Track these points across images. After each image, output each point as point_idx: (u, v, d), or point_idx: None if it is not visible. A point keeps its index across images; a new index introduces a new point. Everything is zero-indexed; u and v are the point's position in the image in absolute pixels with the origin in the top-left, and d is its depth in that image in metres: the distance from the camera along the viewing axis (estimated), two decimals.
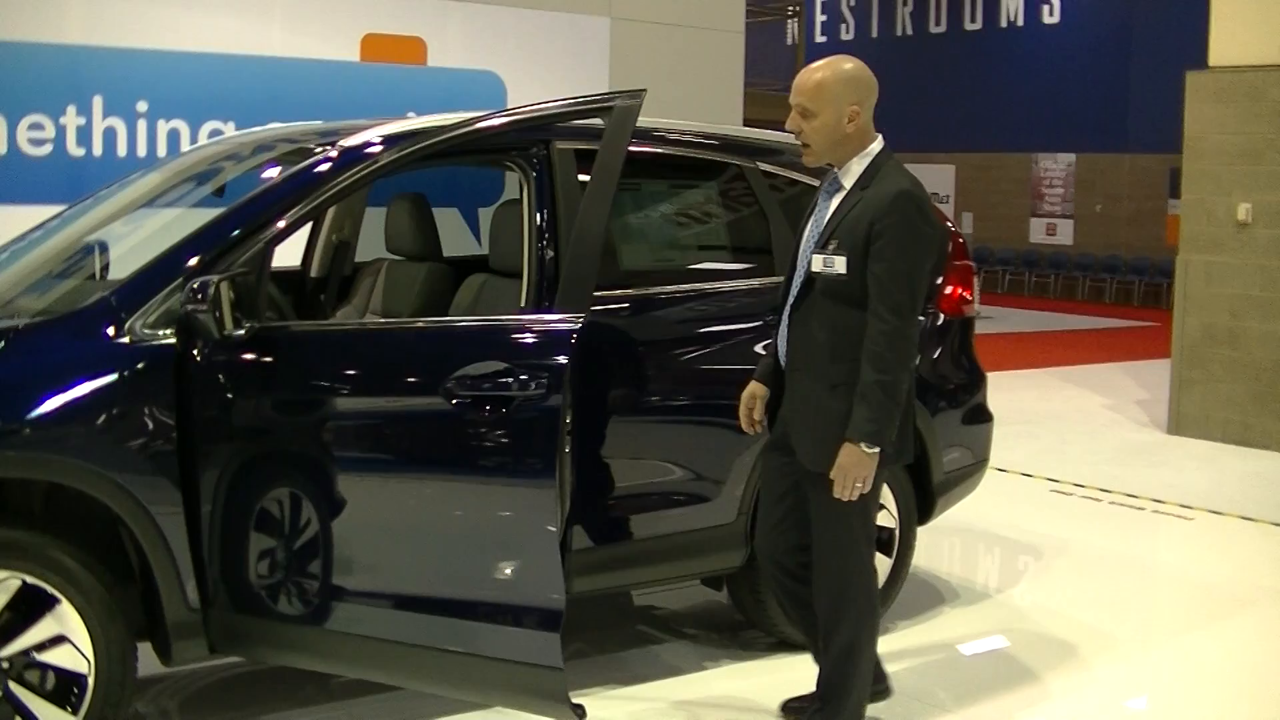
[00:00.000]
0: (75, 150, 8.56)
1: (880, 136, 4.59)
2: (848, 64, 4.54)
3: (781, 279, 5.46)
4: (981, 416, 6.35)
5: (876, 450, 4.34)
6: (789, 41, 26.01)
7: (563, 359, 4.30)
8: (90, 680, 4.16)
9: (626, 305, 5.33)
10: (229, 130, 8.56)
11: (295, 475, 4.41)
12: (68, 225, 5.33)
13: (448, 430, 4.34)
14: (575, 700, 4.31)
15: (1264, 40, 10.86)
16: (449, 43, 10.04)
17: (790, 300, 4.60)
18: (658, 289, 5.45)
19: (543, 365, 4.28)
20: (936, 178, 27.67)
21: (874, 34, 29.93)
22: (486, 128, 4.70)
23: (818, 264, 4.48)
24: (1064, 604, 6.67)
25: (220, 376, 4.28)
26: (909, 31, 29.33)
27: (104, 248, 5.08)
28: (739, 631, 5.95)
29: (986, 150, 27.18)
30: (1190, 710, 5.42)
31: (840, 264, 4.42)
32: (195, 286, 4.08)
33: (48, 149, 8.48)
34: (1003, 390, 12.88)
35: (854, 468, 4.33)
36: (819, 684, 4.76)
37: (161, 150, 8.73)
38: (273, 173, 4.80)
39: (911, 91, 28.08)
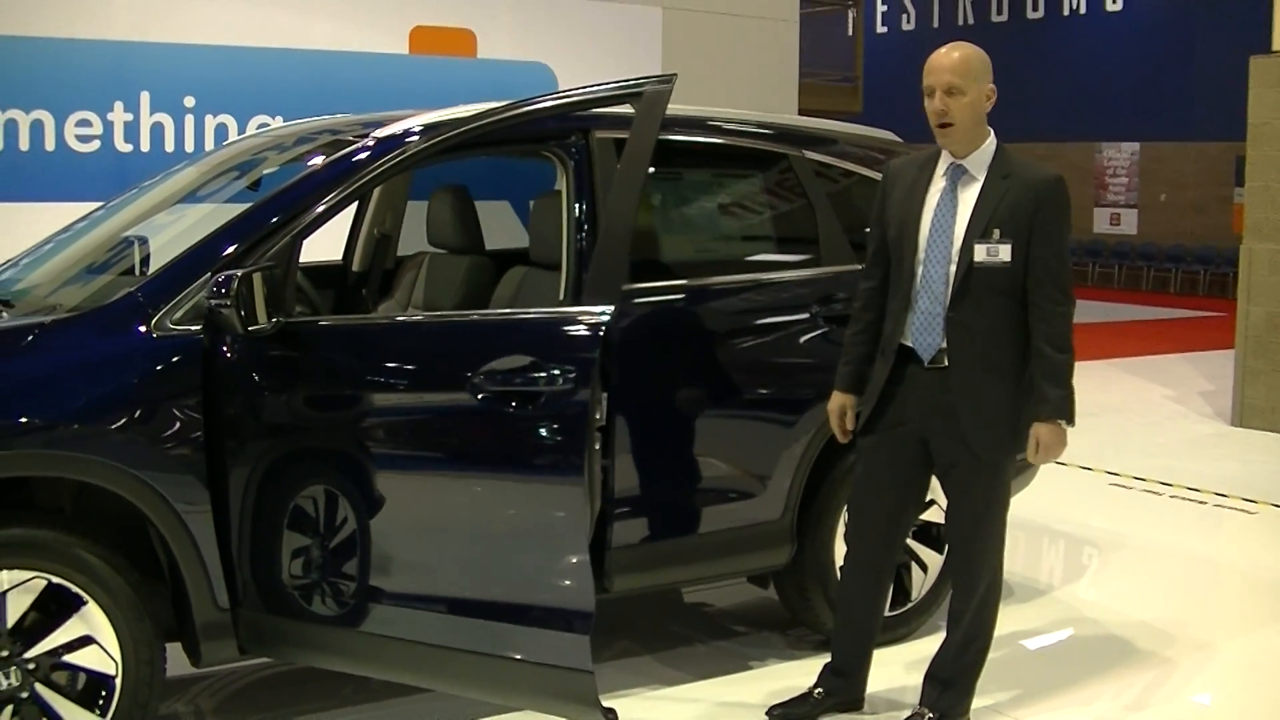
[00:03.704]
0: (123, 146, 8.57)
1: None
2: (974, 46, 4.57)
3: (824, 269, 5.44)
4: None
5: (1070, 426, 4.50)
6: (849, 32, 25.77)
7: (590, 352, 4.18)
8: (118, 682, 4.09)
9: (672, 296, 5.23)
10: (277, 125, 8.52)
11: (323, 473, 4.32)
12: (106, 220, 5.28)
13: (475, 427, 4.24)
14: (611, 704, 4.23)
15: None
16: (499, 34, 9.98)
17: (946, 295, 4.50)
18: (703, 280, 5.35)
19: (569, 359, 4.16)
20: None
21: (935, 24, 29.67)
22: (512, 116, 4.58)
23: (980, 254, 4.46)
24: (1122, 600, 6.51)
25: (248, 372, 4.20)
26: (970, 21, 29.04)
27: (142, 242, 5.01)
28: (787, 630, 5.82)
29: (1049, 140, 26.85)
30: (1253, 709, 5.27)
31: (1005, 252, 4.44)
32: (219, 281, 4.01)
33: (95, 145, 8.49)
34: None
35: (1055, 444, 4.48)
36: (933, 675, 4.80)
37: (209, 145, 8.72)
38: (305, 165, 4.71)
39: None
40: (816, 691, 4.92)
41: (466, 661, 4.19)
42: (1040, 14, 27.98)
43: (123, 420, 4.04)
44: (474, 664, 4.19)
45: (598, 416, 4.76)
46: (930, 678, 4.78)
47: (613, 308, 4.24)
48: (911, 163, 4.71)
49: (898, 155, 5.33)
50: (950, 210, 4.52)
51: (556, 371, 4.14)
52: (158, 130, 8.65)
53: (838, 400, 4.81)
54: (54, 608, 4.02)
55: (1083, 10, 27.20)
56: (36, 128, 8.29)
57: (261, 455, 4.24)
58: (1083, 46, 27.00)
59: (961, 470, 4.58)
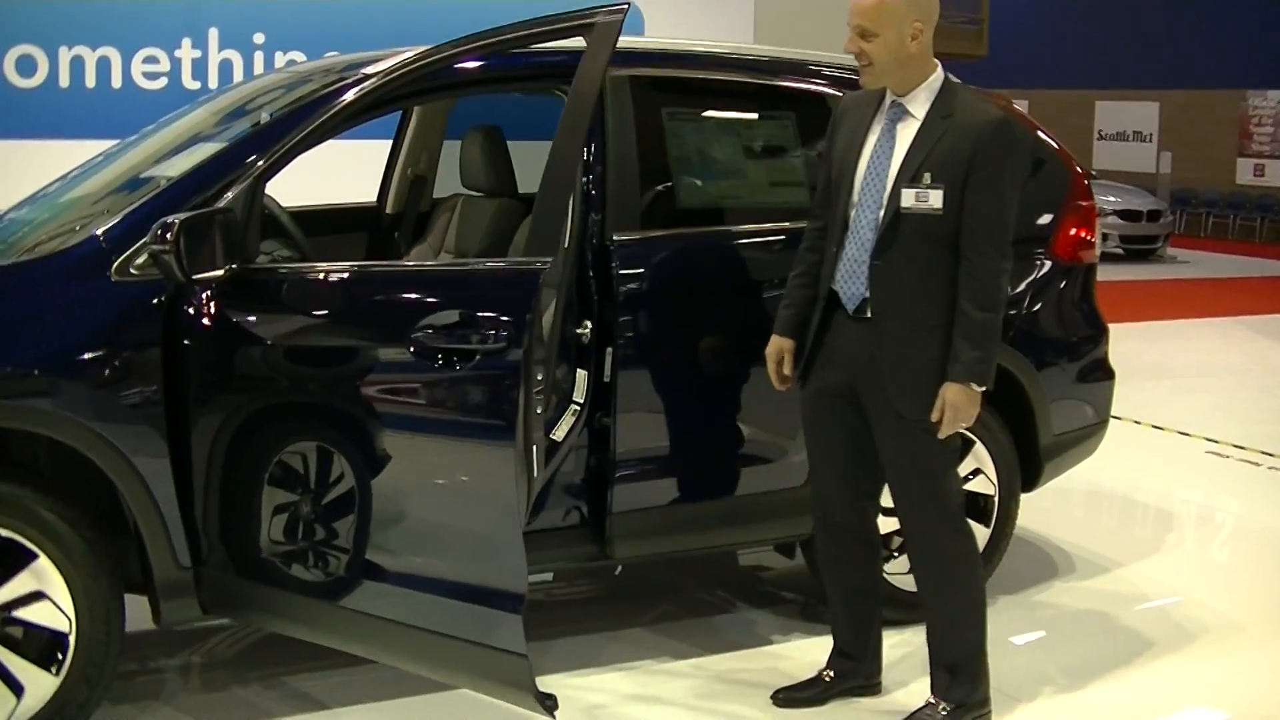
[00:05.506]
0: (190, 83, 8.48)
1: (939, 63, 4.20)
2: None
3: None
4: (1100, 374, 5.81)
5: (983, 389, 4.16)
6: None
7: (525, 308, 3.84)
8: (71, 639, 3.94)
9: (690, 246, 4.97)
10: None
11: (271, 430, 4.10)
12: (115, 160, 5.12)
13: (411, 386, 3.99)
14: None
15: None
16: None
17: (873, 242, 4.18)
18: (730, 227, 5.11)
19: (504, 315, 3.85)
20: (1139, 116, 26.75)
21: None
22: (462, 52, 4.39)
23: (908, 199, 4.11)
24: (1187, 581, 6.05)
25: (203, 320, 3.99)
26: None
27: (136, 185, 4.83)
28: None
29: (1192, 87, 26.00)
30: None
31: (937, 198, 4.09)
32: (162, 225, 3.79)
33: (163, 83, 8.40)
34: (1179, 340, 12.34)
35: (965, 406, 4.13)
36: (936, 662, 4.42)
37: None
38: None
39: (1114, 26, 27.08)
40: (826, 674, 4.62)
41: (415, 637, 3.94)
42: None
43: (77, 369, 3.87)
44: (422, 640, 3.93)
45: (596, 372, 4.58)
46: (936, 664, 4.44)
47: (550, 260, 3.94)
48: (862, 99, 4.37)
49: None
50: (887, 152, 4.19)
51: (488, 328, 3.86)
52: (226, 67, 8.56)
53: (774, 344, 4.49)
54: (4, 562, 3.86)
55: None
56: (103, 64, 8.20)
57: (219, 409, 4.04)
58: None
59: (888, 430, 4.25)
